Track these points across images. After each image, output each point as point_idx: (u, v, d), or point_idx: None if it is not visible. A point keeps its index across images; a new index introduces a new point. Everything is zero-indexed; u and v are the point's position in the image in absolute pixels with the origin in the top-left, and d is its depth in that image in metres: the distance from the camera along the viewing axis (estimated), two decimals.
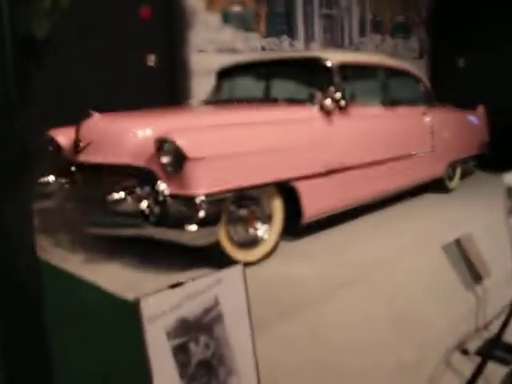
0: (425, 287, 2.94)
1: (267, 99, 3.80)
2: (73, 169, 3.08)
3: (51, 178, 3.33)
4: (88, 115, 3.05)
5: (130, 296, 1.20)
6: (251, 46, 6.46)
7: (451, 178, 5.17)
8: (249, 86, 4.18)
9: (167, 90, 6.01)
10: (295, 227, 3.30)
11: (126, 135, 2.86)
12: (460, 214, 4.21)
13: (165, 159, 2.62)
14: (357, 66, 3.94)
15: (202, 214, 2.61)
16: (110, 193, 2.71)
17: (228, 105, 3.81)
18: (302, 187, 3.08)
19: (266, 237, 3.03)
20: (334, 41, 6.87)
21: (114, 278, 2.75)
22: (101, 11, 5.15)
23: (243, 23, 6.31)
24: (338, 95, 3.36)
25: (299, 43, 6.67)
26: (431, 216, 4.15)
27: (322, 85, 3.59)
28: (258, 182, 2.85)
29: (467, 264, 3.36)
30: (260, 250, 3.01)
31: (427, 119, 4.49)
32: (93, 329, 1.26)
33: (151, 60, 5.84)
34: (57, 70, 5.09)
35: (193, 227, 2.59)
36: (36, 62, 5.14)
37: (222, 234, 2.79)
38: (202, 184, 2.60)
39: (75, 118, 3.15)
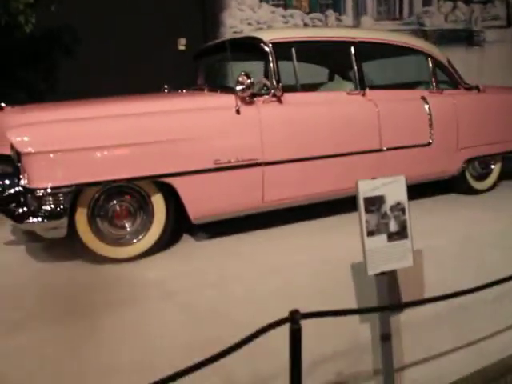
0: None
1: (205, 87, 3.56)
2: None
3: None
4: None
5: None
6: (292, 24, 6.04)
7: (483, 176, 4.21)
8: (206, 71, 3.97)
9: None
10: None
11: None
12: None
13: (12, 153, 2.70)
14: (312, 45, 3.42)
15: (44, 207, 2.62)
16: None
17: (154, 95, 3.67)
18: (181, 184, 2.85)
19: (136, 237, 2.90)
20: (390, 13, 5.97)
21: None
22: None
23: None
24: (248, 81, 2.97)
25: (348, 18, 5.99)
26: None
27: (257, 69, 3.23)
28: (113, 178, 2.72)
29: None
30: (133, 249, 2.90)
31: (425, 106, 3.69)
32: None
33: (182, 44, 5.87)
34: (83, 59, 5.48)
35: (35, 219, 2.63)
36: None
37: (84, 229, 2.78)
38: (42, 178, 2.60)
39: None
